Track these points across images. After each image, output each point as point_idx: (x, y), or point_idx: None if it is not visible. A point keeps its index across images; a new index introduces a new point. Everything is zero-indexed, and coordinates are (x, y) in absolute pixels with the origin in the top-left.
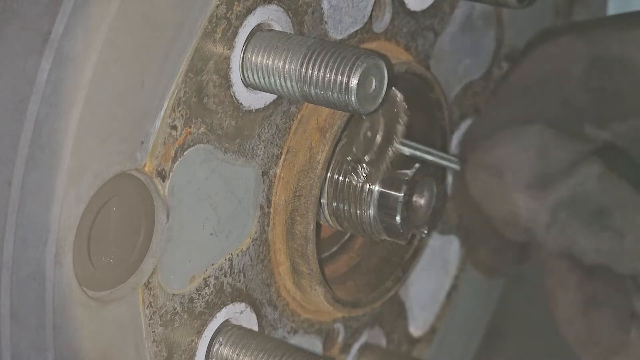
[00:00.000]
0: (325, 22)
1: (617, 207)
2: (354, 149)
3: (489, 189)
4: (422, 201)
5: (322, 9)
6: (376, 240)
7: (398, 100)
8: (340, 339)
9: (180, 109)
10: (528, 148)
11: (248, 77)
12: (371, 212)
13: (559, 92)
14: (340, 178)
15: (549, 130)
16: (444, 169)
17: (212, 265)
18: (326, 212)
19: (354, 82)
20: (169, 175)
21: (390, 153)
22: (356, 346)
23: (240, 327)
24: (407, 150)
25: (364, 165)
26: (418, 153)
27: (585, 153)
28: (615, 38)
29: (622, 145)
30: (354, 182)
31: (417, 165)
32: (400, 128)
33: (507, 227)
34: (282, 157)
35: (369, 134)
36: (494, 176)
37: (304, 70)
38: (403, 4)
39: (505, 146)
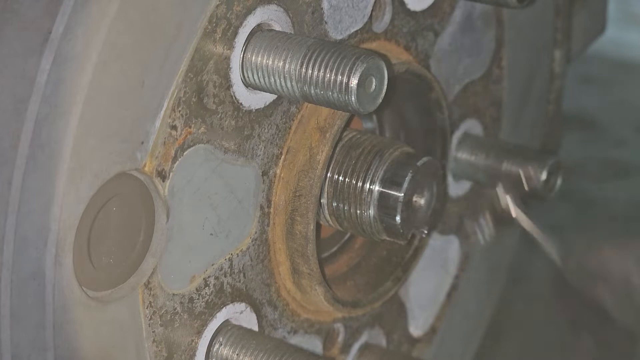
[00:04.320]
0: (325, 22)
1: None
2: None
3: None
4: (422, 201)
5: (322, 9)
6: (376, 240)
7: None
8: (340, 339)
9: (180, 109)
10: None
11: (248, 77)
12: (371, 212)
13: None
14: (341, 178)
15: None
16: (444, 169)
17: (212, 265)
18: (326, 212)
19: (354, 82)
20: (169, 175)
21: None
22: (356, 346)
23: (240, 327)
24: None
25: None
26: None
27: None
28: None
29: None
30: None
31: (416, 165)
32: None
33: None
34: (282, 157)
35: None
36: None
37: (304, 70)
38: (403, 4)
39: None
